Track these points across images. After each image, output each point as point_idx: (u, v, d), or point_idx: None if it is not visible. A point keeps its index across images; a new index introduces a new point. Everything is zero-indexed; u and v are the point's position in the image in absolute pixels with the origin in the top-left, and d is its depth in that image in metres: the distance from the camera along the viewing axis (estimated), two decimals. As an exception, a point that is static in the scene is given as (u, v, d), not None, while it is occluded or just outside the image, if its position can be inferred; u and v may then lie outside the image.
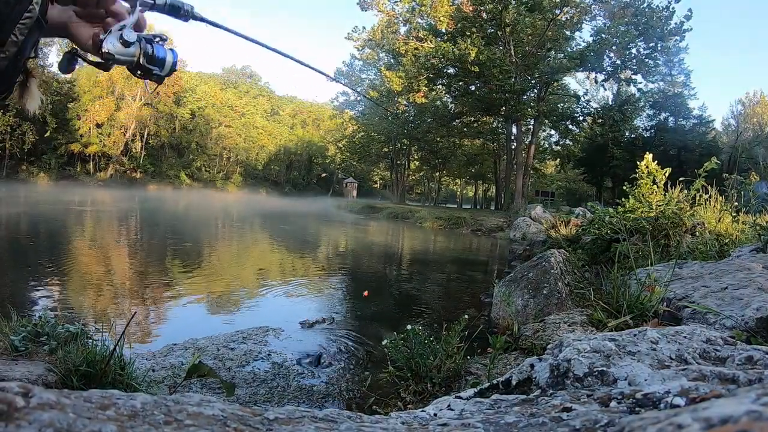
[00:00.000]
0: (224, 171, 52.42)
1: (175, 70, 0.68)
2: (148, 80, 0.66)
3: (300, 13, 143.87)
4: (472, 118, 29.86)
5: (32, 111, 0.71)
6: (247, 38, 0.81)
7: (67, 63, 0.67)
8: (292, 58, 0.93)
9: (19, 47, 0.61)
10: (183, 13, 0.67)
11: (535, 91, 25.76)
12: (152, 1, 0.63)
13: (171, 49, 0.66)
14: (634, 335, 0.96)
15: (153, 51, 0.64)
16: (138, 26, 0.63)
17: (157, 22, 46.05)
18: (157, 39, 0.65)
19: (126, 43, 0.60)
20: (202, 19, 0.71)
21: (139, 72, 0.64)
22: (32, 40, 0.64)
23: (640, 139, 28.16)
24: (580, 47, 24.60)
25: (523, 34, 21.29)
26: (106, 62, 0.62)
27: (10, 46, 0.60)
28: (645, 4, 23.81)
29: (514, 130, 28.16)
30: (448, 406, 0.78)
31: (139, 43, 0.62)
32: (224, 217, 17.88)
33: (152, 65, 0.63)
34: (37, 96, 0.70)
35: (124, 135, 42.83)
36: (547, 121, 27.70)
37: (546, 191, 39.49)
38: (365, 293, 3.42)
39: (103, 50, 0.60)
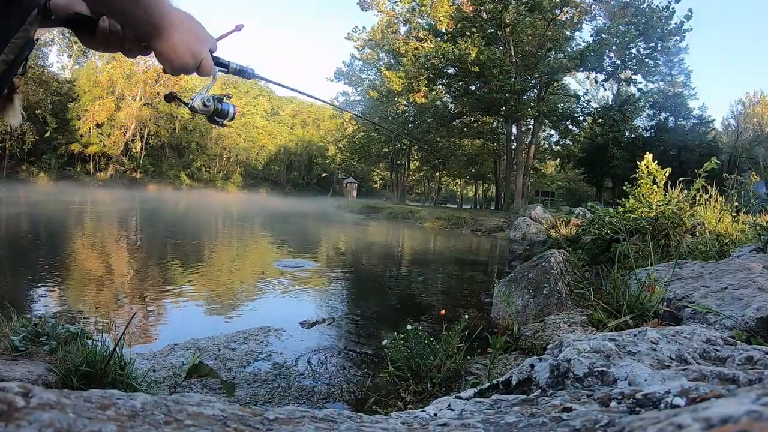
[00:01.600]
0: (224, 171, 52.40)
1: (234, 118, 0.94)
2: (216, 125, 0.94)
3: (300, 13, 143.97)
4: (472, 118, 29.85)
5: (14, 126, 0.76)
6: (297, 91, 1.09)
7: (168, 98, 0.93)
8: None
9: (9, 65, 0.63)
10: (247, 75, 0.94)
11: (535, 91, 25.75)
12: (226, 69, 0.89)
13: (233, 105, 0.93)
14: (634, 335, 0.96)
15: (221, 107, 0.89)
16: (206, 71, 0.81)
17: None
18: (225, 97, 0.91)
19: (205, 105, 0.87)
20: (261, 78, 0.98)
21: (210, 120, 0.91)
22: (22, 57, 0.66)
23: (640, 139, 28.16)
24: (580, 47, 24.58)
25: (523, 34, 21.30)
26: (191, 110, 0.89)
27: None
28: (645, 4, 23.80)
29: (514, 130, 28.15)
30: (448, 406, 0.78)
31: (213, 102, 0.88)
32: (225, 218, 17.88)
33: (220, 118, 0.91)
34: (19, 112, 0.74)
35: (124, 135, 42.80)
36: (547, 121, 27.69)
37: (546, 191, 39.48)
38: (442, 312, 3.27)
39: (192, 104, 0.87)
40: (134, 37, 0.74)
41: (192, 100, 0.87)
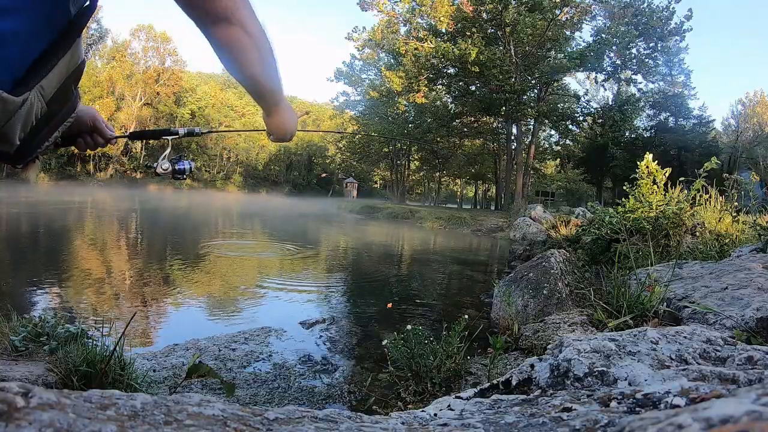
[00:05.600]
0: (224, 171, 52.40)
1: (192, 171, 1.16)
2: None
3: (300, 13, 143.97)
4: (472, 118, 29.85)
5: (30, 180, 0.90)
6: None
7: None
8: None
9: (55, 139, 0.83)
10: (196, 133, 1.16)
11: (535, 91, 25.75)
12: (176, 136, 1.10)
13: (189, 161, 1.13)
14: (635, 335, 0.96)
15: (178, 167, 1.10)
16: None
17: (157, 23, 45.91)
18: (181, 157, 1.12)
19: (164, 168, 1.09)
20: (209, 132, 1.27)
21: (173, 178, 1.12)
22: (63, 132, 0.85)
23: (640, 139, 28.14)
24: (580, 47, 24.59)
25: (523, 34, 21.27)
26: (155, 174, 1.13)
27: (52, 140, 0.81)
28: (645, 4, 23.82)
29: (514, 130, 28.15)
30: (449, 406, 0.78)
31: (171, 165, 1.10)
32: (225, 218, 17.89)
33: (180, 175, 1.10)
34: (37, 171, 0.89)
35: (125, 135, 42.80)
36: (547, 121, 27.69)
37: (546, 191, 39.52)
38: (389, 305, 3.30)
39: (155, 169, 1.09)
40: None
41: (156, 165, 1.08)
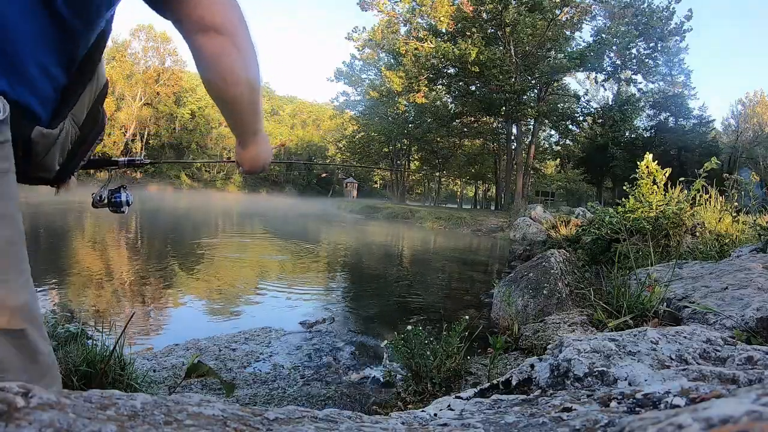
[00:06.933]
0: (224, 171, 52.42)
1: (130, 203, 1.12)
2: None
3: (300, 13, 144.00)
4: (472, 118, 29.86)
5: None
6: None
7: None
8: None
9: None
10: (137, 164, 1.16)
11: (535, 91, 25.76)
12: (116, 166, 1.12)
13: (127, 193, 1.10)
14: (635, 335, 0.96)
15: (114, 199, 1.08)
16: None
17: (157, 23, 45.96)
18: (120, 188, 1.09)
19: (100, 199, 1.08)
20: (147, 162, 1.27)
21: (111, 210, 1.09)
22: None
23: (640, 139, 28.09)
24: (580, 47, 24.60)
25: (523, 34, 21.28)
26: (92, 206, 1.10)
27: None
28: (645, 4, 23.84)
29: (514, 130, 28.16)
30: (449, 406, 0.78)
31: (107, 196, 1.08)
32: (225, 218, 17.88)
33: (116, 207, 1.08)
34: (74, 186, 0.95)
35: (124, 135, 42.83)
36: (547, 121, 27.69)
37: (546, 191, 39.53)
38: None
39: (93, 200, 1.07)
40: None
41: (93, 197, 1.07)
